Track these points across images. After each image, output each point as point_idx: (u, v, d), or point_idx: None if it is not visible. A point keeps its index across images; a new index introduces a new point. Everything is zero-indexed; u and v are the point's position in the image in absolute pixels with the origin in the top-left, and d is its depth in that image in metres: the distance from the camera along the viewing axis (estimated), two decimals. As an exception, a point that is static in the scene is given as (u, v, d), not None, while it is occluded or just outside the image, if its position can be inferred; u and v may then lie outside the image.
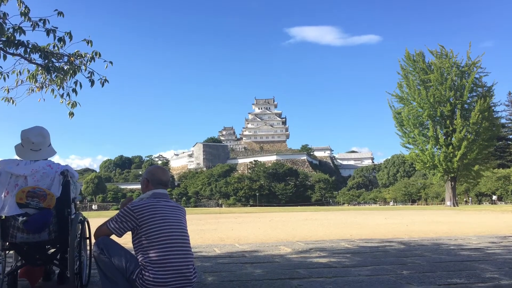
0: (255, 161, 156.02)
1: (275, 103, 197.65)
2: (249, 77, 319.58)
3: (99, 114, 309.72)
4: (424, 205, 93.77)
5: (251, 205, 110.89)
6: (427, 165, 55.65)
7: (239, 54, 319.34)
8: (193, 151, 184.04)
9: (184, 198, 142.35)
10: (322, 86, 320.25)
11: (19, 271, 4.00)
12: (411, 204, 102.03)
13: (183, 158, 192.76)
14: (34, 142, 3.91)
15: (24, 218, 3.61)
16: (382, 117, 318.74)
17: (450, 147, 52.96)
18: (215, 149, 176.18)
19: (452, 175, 55.92)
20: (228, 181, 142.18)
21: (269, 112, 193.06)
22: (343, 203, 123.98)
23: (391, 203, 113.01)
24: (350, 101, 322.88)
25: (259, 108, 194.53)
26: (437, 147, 55.16)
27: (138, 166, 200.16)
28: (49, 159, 4.02)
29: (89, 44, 6.44)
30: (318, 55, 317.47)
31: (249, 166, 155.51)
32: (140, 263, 3.16)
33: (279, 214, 33.35)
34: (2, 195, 3.71)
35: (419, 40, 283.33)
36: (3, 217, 3.73)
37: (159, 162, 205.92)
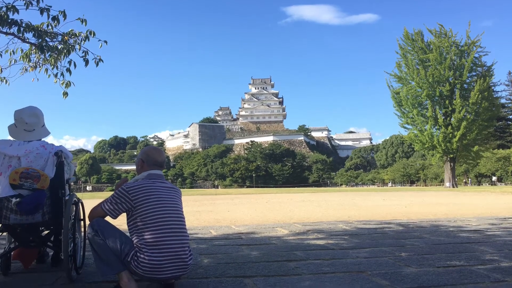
0: (251, 141, 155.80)
1: (272, 83, 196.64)
2: (245, 56, 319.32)
3: (93, 94, 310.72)
4: (422, 186, 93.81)
5: (248, 186, 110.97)
6: (426, 146, 55.56)
7: (236, 33, 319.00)
8: (188, 131, 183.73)
9: (179, 179, 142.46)
10: (319, 66, 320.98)
11: (12, 253, 3.99)
12: (410, 185, 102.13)
13: (179, 139, 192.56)
14: (28, 122, 3.87)
15: (18, 199, 3.59)
16: (380, 97, 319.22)
17: (449, 127, 52.75)
18: (211, 130, 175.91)
19: (451, 156, 55.81)
20: (224, 162, 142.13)
21: (266, 92, 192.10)
22: (341, 184, 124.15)
23: (389, 184, 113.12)
24: (348, 81, 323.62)
25: (255, 88, 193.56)
26: (436, 127, 54.97)
27: (133, 147, 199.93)
28: (42, 139, 4.00)
29: (83, 23, 6.39)
30: (315, 34, 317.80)
31: (245, 147, 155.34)
32: (135, 245, 3.15)
33: (276, 196, 33.44)
34: None
35: (418, 19, 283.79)
36: None
37: (154, 142, 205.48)
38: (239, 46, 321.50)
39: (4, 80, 6.96)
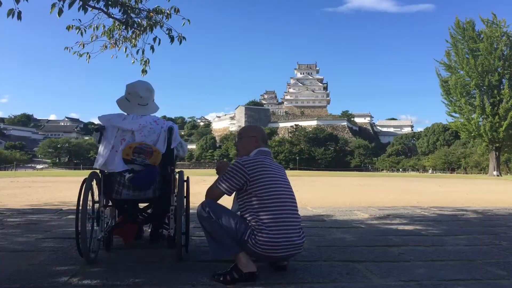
0: (296, 125, 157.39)
1: (317, 68, 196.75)
2: (292, 42, 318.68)
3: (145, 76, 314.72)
4: (463, 174, 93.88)
5: (291, 169, 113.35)
6: (472, 134, 56.10)
7: (284, 19, 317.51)
8: (235, 113, 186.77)
9: (225, 159, 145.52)
10: (365, 53, 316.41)
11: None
12: (451, 173, 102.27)
13: (225, 121, 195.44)
14: (142, 96, 3.77)
15: (131, 174, 3.53)
16: (424, 85, 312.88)
17: (497, 117, 53.18)
18: (256, 112, 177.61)
19: (497, 145, 56.23)
20: (269, 145, 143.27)
21: (311, 77, 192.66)
22: (382, 170, 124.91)
23: (430, 171, 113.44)
24: (393, 69, 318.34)
25: (301, 73, 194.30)
26: (483, 116, 55.16)
27: (180, 127, 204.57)
28: (152, 115, 3.89)
29: None
30: (363, 22, 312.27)
31: (289, 130, 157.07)
32: (250, 224, 3.08)
33: (328, 179, 32.85)
34: (107, 150, 3.62)
35: (474, 10, 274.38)
36: (106, 173, 3.68)
37: (201, 123, 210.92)
38: (287, 30, 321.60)
39: (88, 55, 6.81)
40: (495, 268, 3.51)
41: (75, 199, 3.42)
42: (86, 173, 3.99)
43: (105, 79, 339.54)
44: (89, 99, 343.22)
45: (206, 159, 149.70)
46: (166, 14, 6.40)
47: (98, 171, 3.69)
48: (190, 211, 3.92)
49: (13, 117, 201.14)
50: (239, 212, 3.22)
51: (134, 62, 7.01)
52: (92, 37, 6.66)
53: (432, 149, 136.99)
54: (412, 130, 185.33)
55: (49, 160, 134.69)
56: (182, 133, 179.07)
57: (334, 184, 23.09)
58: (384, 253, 4.04)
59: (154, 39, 6.51)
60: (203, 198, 3.34)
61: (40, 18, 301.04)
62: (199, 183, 17.15)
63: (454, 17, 58.15)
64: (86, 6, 5.62)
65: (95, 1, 5.84)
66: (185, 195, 3.74)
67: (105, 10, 6.12)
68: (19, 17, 5.02)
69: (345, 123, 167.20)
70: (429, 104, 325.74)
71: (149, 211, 4.02)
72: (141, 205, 4.01)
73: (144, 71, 7.06)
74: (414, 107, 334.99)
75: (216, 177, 3.39)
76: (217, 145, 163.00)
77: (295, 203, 3.26)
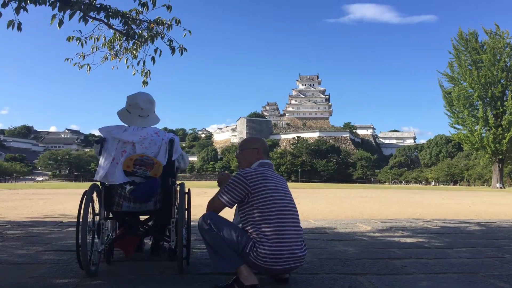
0: (297, 137, 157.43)
1: (319, 80, 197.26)
2: (294, 53, 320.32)
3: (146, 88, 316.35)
4: (466, 186, 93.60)
5: (293, 181, 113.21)
6: (475, 146, 55.85)
7: (285, 30, 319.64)
8: (236, 125, 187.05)
9: (226, 171, 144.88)
10: (367, 64, 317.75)
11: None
12: (453, 185, 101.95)
13: (226, 132, 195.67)
14: (143, 108, 3.76)
15: (132, 186, 3.50)
16: (426, 97, 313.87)
17: (500, 128, 53.19)
18: (258, 124, 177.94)
19: (500, 157, 56.09)
20: (270, 156, 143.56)
21: (313, 88, 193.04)
22: (385, 182, 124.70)
23: (433, 183, 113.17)
24: (395, 81, 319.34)
25: (303, 85, 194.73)
26: (486, 128, 55.11)
27: (181, 139, 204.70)
28: (153, 126, 3.88)
29: (169, 10, 6.21)
30: (365, 33, 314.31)
31: (291, 142, 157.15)
32: (251, 236, 3.05)
33: (330, 191, 32.74)
34: (107, 162, 3.59)
35: (477, 21, 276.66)
36: (107, 185, 3.66)
37: (203, 135, 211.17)
38: (288, 42, 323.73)
39: (88, 67, 6.75)
40: (498, 281, 3.50)
41: (76, 211, 3.41)
42: (86, 185, 4.00)
43: (106, 90, 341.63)
44: (90, 111, 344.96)
45: (207, 171, 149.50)
46: (167, 25, 6.40)
47: (98, 183, 3.67)
48: (191, 223, 3.90)
49: (13, 128, 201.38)
50: (240, 225, 3.20)
51: (135, 73, 7.01)
52: (92, 48, 6.66)
53: (435, 161, 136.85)
54: (415, 142, 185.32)
55: (49, 172, 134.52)
56: (183, 145, 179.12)
57: (336, 196, 23.08)
58: (387, 266, 4.02)
59: (155, 51, 6.53)
60: (204, 211, 3.32)
61: (41, 29, 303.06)
62: (200, 195, 17.17)
63: (457, 28, 58.40)
64: (87, 17, 5.62)
65: (95, 12, 5.81)
66: (186, 207, 3.72)
67: (106, 21, 6.08)
68: (19, 28, 5.03)
69: (347, 135, 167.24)
70: (432, 115, 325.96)
71: (150, 223, 4.01)
72: (142, 218, 4.00)
73: (145, 83, 7.06)
74: (416, 118, 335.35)
75: (217, 189, 3.38)
76: (219, 157, 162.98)
77: (297, 215, 3.23)
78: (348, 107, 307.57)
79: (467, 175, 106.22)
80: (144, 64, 6.85)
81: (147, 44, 6.54)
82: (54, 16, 5.25)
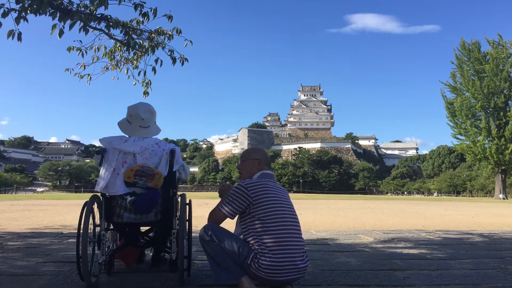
0: (299, 147, 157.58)
1: (320, 90, 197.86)
2: (296, 63, 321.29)
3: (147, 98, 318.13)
4: (469, 197, 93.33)
5: (295, 192, 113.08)
6: (478, 157, 55.69)
7: (289, 39, 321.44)
8: (237, 136, 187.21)
9: (228, 182, 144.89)
10: (369, 74, 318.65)
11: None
12: (456, 196, 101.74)
13: (228, 143, 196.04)
14: (144, 118, 3.75)
15: (133, 197, 3.49)
16: (429, 107, 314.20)
17: (503, 139, 53.07)
18: (259, 135, 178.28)
19: (503, 167, 55.97)
20: (272, 167, 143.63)
21: (314, 99, 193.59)
22: (387, 192, 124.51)
23: (435, 194, 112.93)
24: (397, 91, 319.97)
25: (304, 95, 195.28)
26: (488, 139, 55.04)
27: (182, 150, 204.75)
28: (154, 137, 3.85)
29: (170, 20, 6.10)
30: (367, 43, 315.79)
31: (293, 153, 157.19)
32: (253, 248, 3.05)
33: (332, 202, 32.59)
34: (108, 173, 3.57)
35: (479, 31, 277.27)
36: (107, 196, 3.63)
37: (204, 146, 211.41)
38: (289, 53, 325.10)
39: (89, 77, 6.70)
40: (501, 292, 3.46)
41: (76, 222, 3.38)
42: (87, 196, 4.07)
43: (106, 101, 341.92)
44: (90, 121, 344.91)
45: (208, 181, 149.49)
46: (168, 35, 6.38)
47: (99, 194, 3.64)
48: (193, 234, 3.88)
49: (13, 139, 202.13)
50: (242, 236, 3.20)
51: (135, 83, 6.94)
52: (93, 59, 6.62)
53: (437, 172, 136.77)
54: (417, 152, 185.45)
55: (49, 183, 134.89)
56: (184, 156, 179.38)
57: (338, 207, 23.01)
58: (389, 277, 4.00)
59: (156, 61, 6.49)
60: (205, 222, 3.31)
61: (41, 39, 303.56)
62: (201, 206, 17.08)
63: (460, 39, 58.55)
64: (87, 27, 5.59)
65: (96, 22, 5.80)
66: (187, 218, 3.71)
67: (106, 31, 6.05)
68: (19, 38, 5.01)
69: (349, 146, 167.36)
70: (434, 126, 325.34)
71: (150, 234, 3.98)
72: (143, 229, 3.98)
73: (145, 93, 7.03)
74: (419, 129, 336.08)
75: (218, 200, 3.37)
76: (220, 167, 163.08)
77: (299, 226, 3.23)
78: (350, 117, 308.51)
79: (470, 186, 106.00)
80: (145, 74, 6.81)
81: (148, 54, 6.52)
82: (54, 26, 5.25)
